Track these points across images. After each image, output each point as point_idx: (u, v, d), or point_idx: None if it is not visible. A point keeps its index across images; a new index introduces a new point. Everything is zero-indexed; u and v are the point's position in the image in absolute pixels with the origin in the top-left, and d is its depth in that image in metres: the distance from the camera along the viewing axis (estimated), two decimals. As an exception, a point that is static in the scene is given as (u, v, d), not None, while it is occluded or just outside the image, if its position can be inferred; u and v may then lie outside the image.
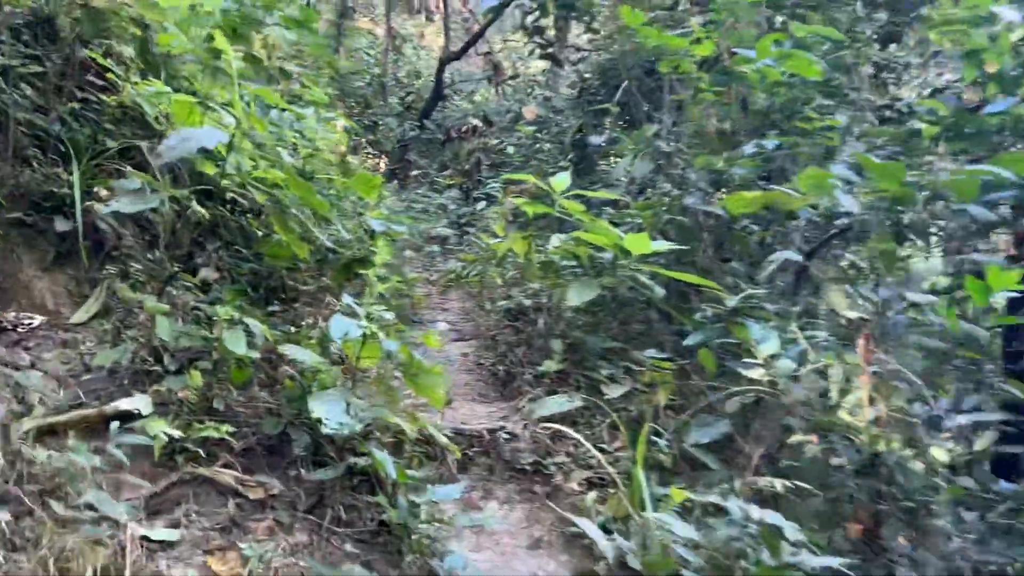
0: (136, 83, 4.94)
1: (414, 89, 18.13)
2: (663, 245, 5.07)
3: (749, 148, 5.34)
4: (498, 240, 6.29)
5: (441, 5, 26.65)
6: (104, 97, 5.12)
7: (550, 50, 9.87)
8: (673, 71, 5.96)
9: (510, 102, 12.05)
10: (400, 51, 19.97)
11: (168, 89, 4.80)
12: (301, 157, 5.75)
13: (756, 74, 5.06)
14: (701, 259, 5.55)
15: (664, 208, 5.73)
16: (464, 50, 14.26)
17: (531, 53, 10.91)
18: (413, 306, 6.30)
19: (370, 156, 18.02)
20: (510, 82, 13.18)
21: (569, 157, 10.58)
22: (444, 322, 5.89)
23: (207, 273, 4.96)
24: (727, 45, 5.60)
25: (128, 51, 5.51)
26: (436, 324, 5.79)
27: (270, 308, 5.13)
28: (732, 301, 4.87)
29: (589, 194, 5.92)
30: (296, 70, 9.89)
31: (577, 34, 10.74)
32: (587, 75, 10.97)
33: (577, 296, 5.18)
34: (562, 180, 5.52)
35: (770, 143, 5.27)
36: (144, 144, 5.02)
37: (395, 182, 17.50)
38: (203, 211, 4.62)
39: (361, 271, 5.07)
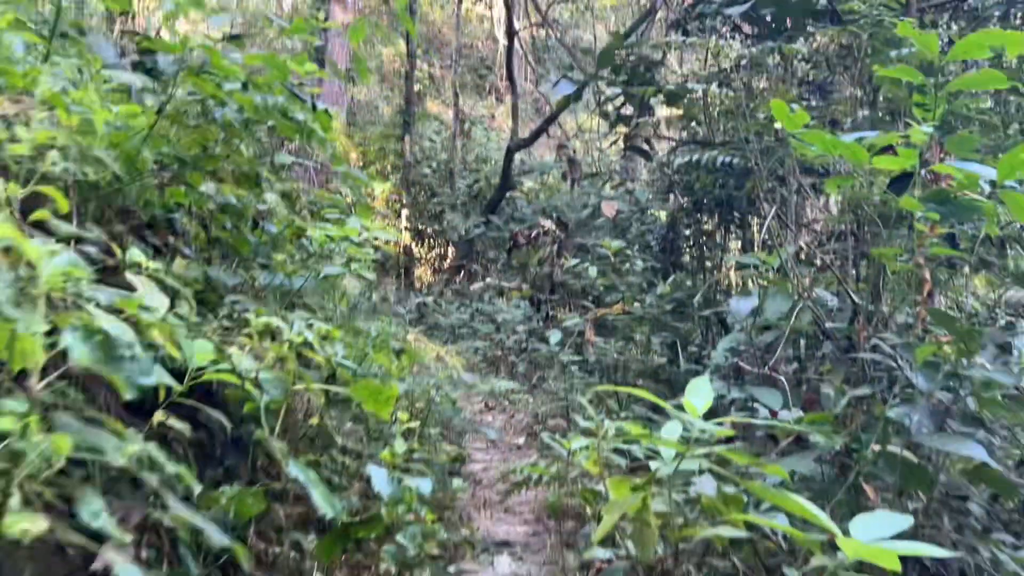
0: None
1: (481, 176, 16.46)
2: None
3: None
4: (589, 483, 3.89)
5: (506, 80, 25.31)
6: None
7: (637, 142, 8.01)
8: (841, 188, 3.98)
9: (587, 195, 10.20)
10: (468, 135, 18.41)
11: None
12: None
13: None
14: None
15: (872, 451, 3.48)
16: (533, 138, 12.54)
17: (612, 144, 9.05)
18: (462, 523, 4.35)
19: (435, 247, 16.40)
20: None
21: (660, 273, 8.61)
22: (506, 552, 3.94)
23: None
24: (941, 156, 3.64)
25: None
26: (496, 557, 3.83)
27: None
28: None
29: (739, 419, 3.40)
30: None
31: (662, 118, 8.84)
32: (674, 169, 9.02)
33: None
34: (700, 392, 2.71)
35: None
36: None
37: (460, 278, 15.77)
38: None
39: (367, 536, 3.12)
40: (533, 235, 8.45)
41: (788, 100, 5.15)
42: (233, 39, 8.46)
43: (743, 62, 6.22)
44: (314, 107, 4.70)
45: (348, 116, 20.64)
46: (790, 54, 5.11)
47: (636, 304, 6.17)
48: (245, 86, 4.23)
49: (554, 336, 6.38)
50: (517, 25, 13.75)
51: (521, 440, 6.49)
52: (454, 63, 17.98)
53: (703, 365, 5.57)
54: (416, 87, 23.43)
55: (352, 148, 16.86)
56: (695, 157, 5.79)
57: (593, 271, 6.75)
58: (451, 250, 15.65)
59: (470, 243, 12.97)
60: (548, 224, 8.46)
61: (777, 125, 5.00)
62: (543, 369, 8.32)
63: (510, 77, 13.02)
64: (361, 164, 16.67)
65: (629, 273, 6.65)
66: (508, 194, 13.30)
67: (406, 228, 15.35)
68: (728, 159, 5.28)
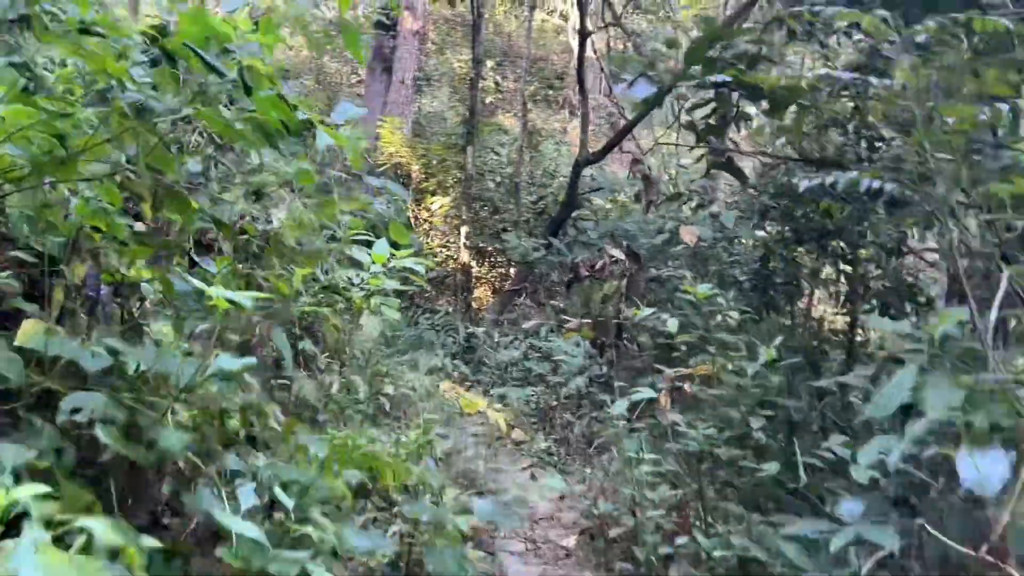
0: None
1: (548, 193, 14.90)
2: None
3: None
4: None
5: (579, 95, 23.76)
6: None
7: (727, 158, 6.36)
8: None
9: (663, 218, 8.56)
10: (537, 148, 16.88)
11: None
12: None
13: None
14: None
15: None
16: (605, 152, 10.92)
17: (698, 160, 7.42)
18: None
19: (496, 267, 14.89)
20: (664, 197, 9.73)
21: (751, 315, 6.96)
22: None
23: None
24: None
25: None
26: None
27: None
28: None
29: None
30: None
31: (749, 132, 7.17)
32: (767, 191, 7.39)
33: None
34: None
35: None
36: None
37: (520, 301, 14.21)
38: None
39: None
40: (598, 266, 6.86)
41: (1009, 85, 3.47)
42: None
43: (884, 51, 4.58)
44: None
45: (415, 127, 19.36)
46: (984, 31, 3.43)
47: (730, 370, 4.55)
48: (170, 59, 2.79)
49: (618, 406, 4.78)
50: (590, 26, 12.15)
51: (571, 541, 4.92)
52: (524, 72, 16.49)
53: (829, 468, 3.92)
54: (487, 99, 22.07)
55: (414, 160, 15.49)
56: (827, 180, 4.13)
57: (673, 324, 5.10)
58: (513, 270, 14.17)
59: (530, 265, 11.42)
60: (616, 253, 6.86)
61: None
62: (603, 432, 6.73)
63: (581, 85, 11.44)
64: (423, 177, 15.29)
65: (720, 328, 5.00)
66: (574, 214, 11.71)
67: (466, 246, 13.89)
68: (877, 184, 3.66)
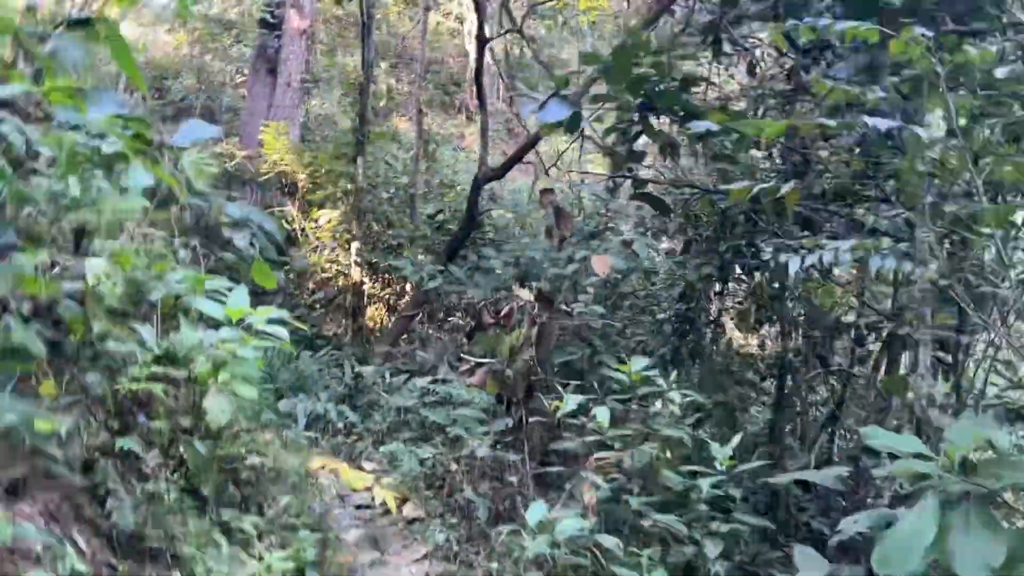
0: None
1: (446, 206, 13.72)
2: None
3: None
4: None
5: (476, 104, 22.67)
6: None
7: (650, 190, 5.38)
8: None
9: (572, 248, 7.53)
10: (434, 156, 15.67)
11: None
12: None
13: None
14: None
15: None
16: (506, 169, 9.84)
17: (614, 190, 6.43)
18: None
19: (390, 284, 13.60)
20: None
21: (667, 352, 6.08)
22: None
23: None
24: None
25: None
26: None
27: None
28: None
29: None
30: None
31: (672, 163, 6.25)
32: (697, 219, 6.50)
33: None
34: None
35: None
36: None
37: (417, 329, 12.99)
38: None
39: None
40: (504, 312, 5.75)
41: None
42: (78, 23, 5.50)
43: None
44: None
45: (303, 131, 17.83)
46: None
47: (677, 473, 3.51)
48: None
49: (534, 512, 3.64)
50: (489, 33, 11.04)
51: None
52: (419, 76, 15.24)
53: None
54: (380, 103, 20.67)
55: (301, 168, 14.04)
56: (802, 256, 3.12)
57: (603, 414, 3.99)
58: (409, 286, 12.94)
59: (425, 296, 10.24)
60: (524, 295, 5.77)
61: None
62: (515, 504, 5.64)
63: (479, 94, 10.29)
64: (310, 187, 13.87)
65: (657, 417, 3.95)
66: (474, 234, 10.58)
67: (357, 263, 12.57)
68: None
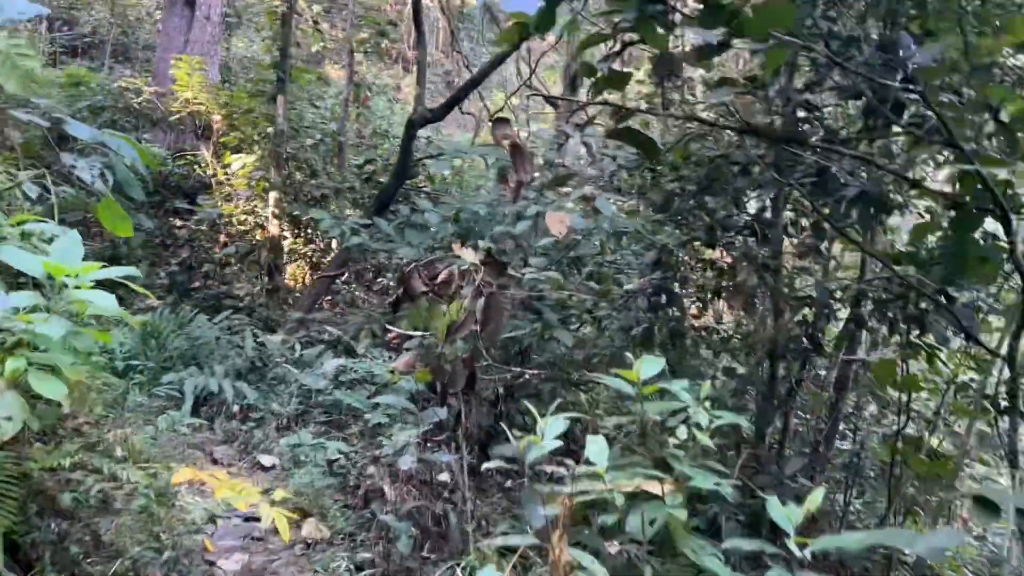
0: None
1: (377, 155, 12.07)
2: None
3: None
4: None
5: (415, 49, 20.84)
6: None
7: (627, 127, 3.97)
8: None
9: (525, 202, 6.08)
10: (365, 104, 13.94)
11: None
12: None
13: None
14: None
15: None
16: (447, 109, 8.27)
17: (562, 145, 5.03)
18: None
19: (312, 241, 11.91)
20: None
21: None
22: None
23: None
24: None
25: None
26: None
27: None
28: None
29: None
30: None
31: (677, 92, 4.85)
32: (675, 170, 5.18)
33: None
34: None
35: None
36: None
37: (339, 292, 11.36)
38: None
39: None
40: (441, 278, 4.26)
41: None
42: None
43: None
44: None
45: (224, 72, 15.82)
46: None
47: (700, 546, 2.19)
48: None
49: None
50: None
51: None
52: (351, 14, 13.43)
53: None
54: (312, 48, 18.67)
55: (216, 108, 12.17)
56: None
57: (600, 454, 2.53)
58: (335, 244, 11.31)
59: (345, 256, 8.67)
60: (469, 257, 4.28)
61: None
62: (447, 523, 4.23)
63: (417, 26, 8.60)
64: (224, 131, 12.03)
65: (670, 446, 2.60)
66: (407, 185, 9.01)
67: (275, 215, 10.88)
68: None
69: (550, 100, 8.01)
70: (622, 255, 5.82)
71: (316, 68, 15.90)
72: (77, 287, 2.97)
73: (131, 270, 3.36)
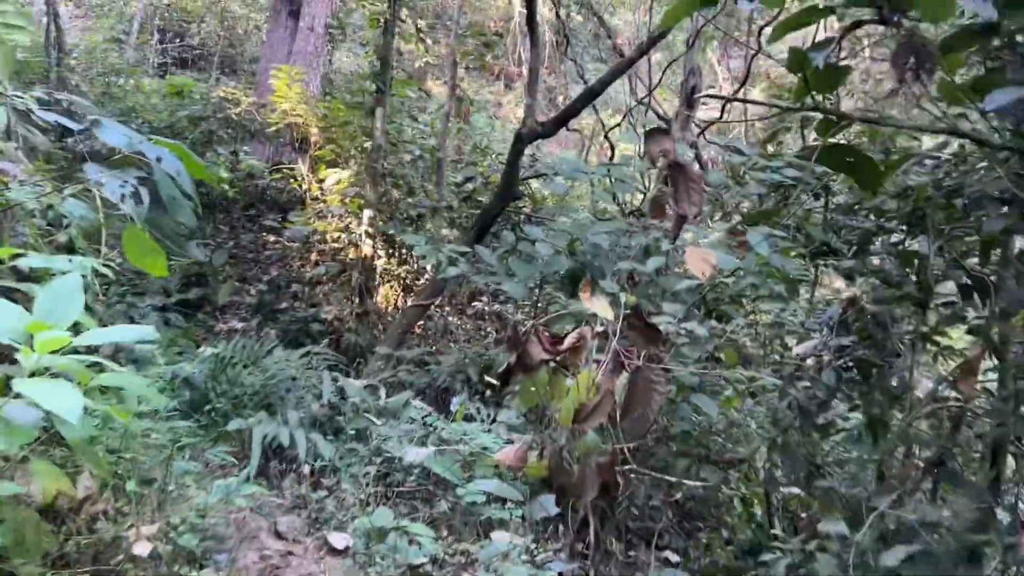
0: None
1: (478, 173, 11.06)
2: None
3: None
4: None
5: (519, 65, 19.83)
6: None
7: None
8: None
9: (647, 232, 4.88)
10: (467, 119, 12.97)
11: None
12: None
13: None
14: None
15: None
16: (559, 123, 7.14)
17: (771, 138, 3.82)
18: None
19: (407, 262, 10.93)
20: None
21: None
22: None
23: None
24: None
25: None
26: None
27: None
28: None
29: None
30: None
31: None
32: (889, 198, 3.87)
33: None
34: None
35: None
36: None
37: (429, 322, 10.33)
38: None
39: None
40: (568, 343, 3.10)
41: None
42: None
43: None
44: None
45: (325, 84, 15.20)
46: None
47: None
48: None
49: None
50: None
51: None
52: (455, 24, 12.51)
53: None
54: (416, 63, 17.90)
55: (314, 120, 11.41)
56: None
57: None
58: (430, 266, 10.33)
59: (439, 287, 7.63)
60: (605, 313, 3.11)
61: None
62: None
63: (530, 23, 7.49)
64: (320, 144, 11.26)
65: None
66: (512, 205, 7.92)
67: (368, 234, 9.99)
68: None
69: (699, 115, 6.80)
70: (788, 307, 4.53)
71: (416, 80, 15.09)
72: (42, 369, 1.94)
73: (146, 331, 2.33)
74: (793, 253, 4.61)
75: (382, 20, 10.12)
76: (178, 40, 18.06)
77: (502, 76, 21.72)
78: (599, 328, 3.04)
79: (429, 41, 18.53)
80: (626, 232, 5.40)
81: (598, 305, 3.16)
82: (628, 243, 5.36)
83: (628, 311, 2.96)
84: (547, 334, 3.07)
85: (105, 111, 11.97)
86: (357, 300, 9.92)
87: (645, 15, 20.32)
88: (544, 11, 17.51)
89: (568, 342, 3.02)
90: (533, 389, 3.03)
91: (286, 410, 5.54)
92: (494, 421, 5.05)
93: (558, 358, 3.06)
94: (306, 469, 5.01)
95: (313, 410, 5.56)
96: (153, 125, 12.03)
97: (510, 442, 4.48)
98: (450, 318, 11.05)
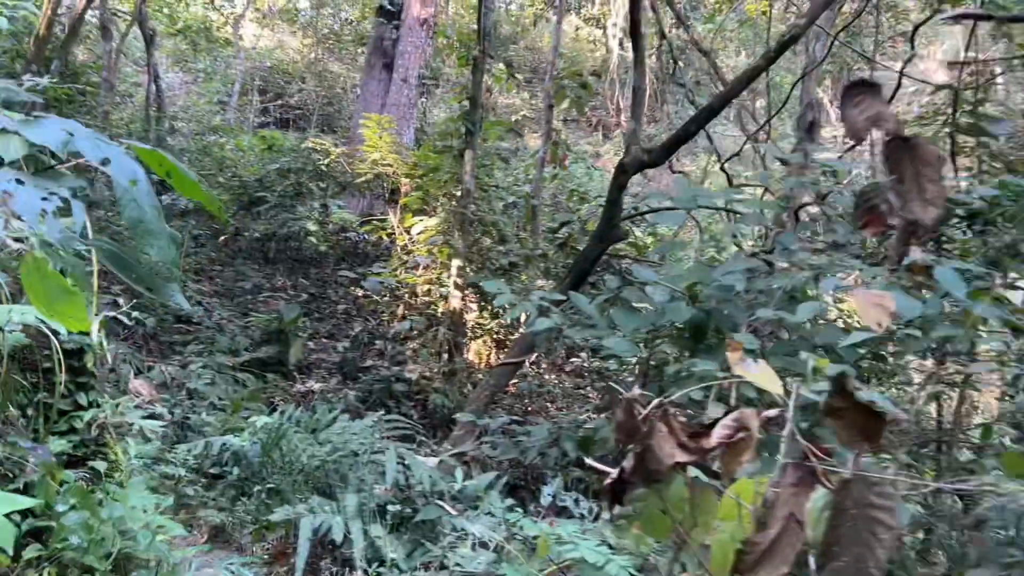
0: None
1: (575, 220, 9.97)
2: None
3: None
4: None
5: (624, 113, 18.82)
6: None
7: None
8: None
9: (790, 271, 3.65)
10: (563, 163, 11.97)
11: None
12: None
13: None
14: None
15: None
16: (668, 151, 5.99)
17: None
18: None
19: (494, 322, 9.82)
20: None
21: None
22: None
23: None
24: None
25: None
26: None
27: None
28: None
29: None
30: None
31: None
32: None
33: None
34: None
35: None
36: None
37: (521, 380, 9.17)
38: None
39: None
40: (715, 440, 2.08)
41: None
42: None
43: None
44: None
45: (418, 135, 14.59)
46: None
47: None
48: None
49: None
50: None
51: None
52: (550, 67, 11.64)
53: None
54: (514, 117, 17.21)
55: (404, 171, 10.65)
56: None
57: None
58: (523, 317, 9.23)
59: (529, 343, 6.49)
60: (774, 387, 2.11)
61: None
62: None
63: (635, 38, 6.32)
64: (408, 191, 10.47)
65: None
66: (613, 250, 6.77)
67: (457, 285, 9.03)
68: None
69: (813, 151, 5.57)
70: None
71: (513, 140, 14.30)
72: None
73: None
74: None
75: (470, 58, 9.32)
76: (278, 100, 18.01)
77: (599, 127, 20.79)
78: (769, 412, 1.84)
79: (520, 77, 17.77)
80: (764, 273, 4.15)
81: (760, 374, 1.96)
82: (765, 285, 4.11)
83: (829, 386, 1.76)
84: (687, 428, 1.89)
85: (198, 167, 11.63)
86: (445, 357, 8.94)
87: (749, 56, 19.04)
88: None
89: (718, 433, 1.83)
90: (663, 511, 1.84)
91: (345, 493, 4.47)
92: (597, 518, 3.83)
93: (699, 458, 1.87)
94: (361, 572, 3.91)
95: (376, 493, 4.47)
96: (243, 179, 11.61)
97: (616, 551, 3.26)
98: (546, 376, 9.90)
